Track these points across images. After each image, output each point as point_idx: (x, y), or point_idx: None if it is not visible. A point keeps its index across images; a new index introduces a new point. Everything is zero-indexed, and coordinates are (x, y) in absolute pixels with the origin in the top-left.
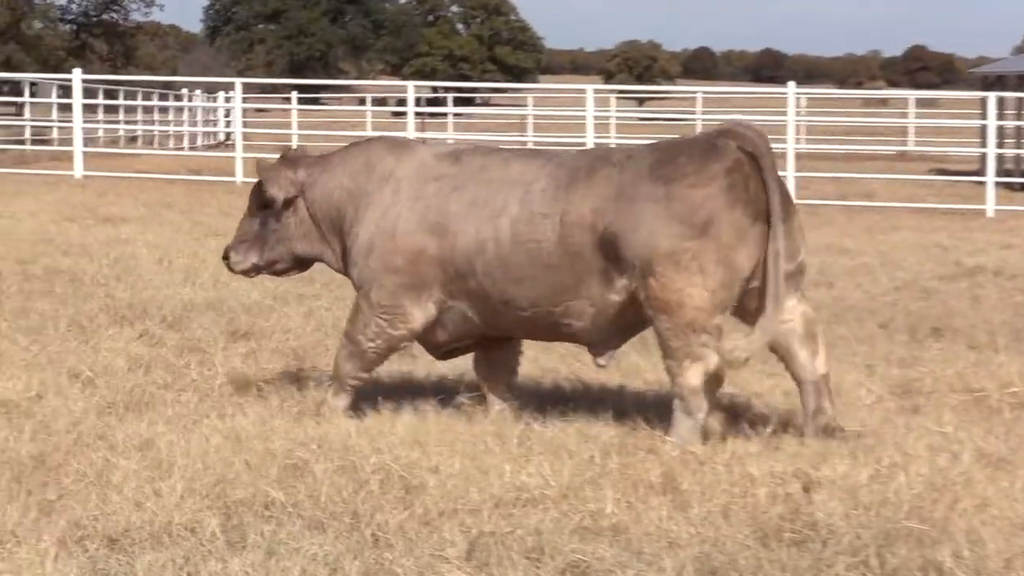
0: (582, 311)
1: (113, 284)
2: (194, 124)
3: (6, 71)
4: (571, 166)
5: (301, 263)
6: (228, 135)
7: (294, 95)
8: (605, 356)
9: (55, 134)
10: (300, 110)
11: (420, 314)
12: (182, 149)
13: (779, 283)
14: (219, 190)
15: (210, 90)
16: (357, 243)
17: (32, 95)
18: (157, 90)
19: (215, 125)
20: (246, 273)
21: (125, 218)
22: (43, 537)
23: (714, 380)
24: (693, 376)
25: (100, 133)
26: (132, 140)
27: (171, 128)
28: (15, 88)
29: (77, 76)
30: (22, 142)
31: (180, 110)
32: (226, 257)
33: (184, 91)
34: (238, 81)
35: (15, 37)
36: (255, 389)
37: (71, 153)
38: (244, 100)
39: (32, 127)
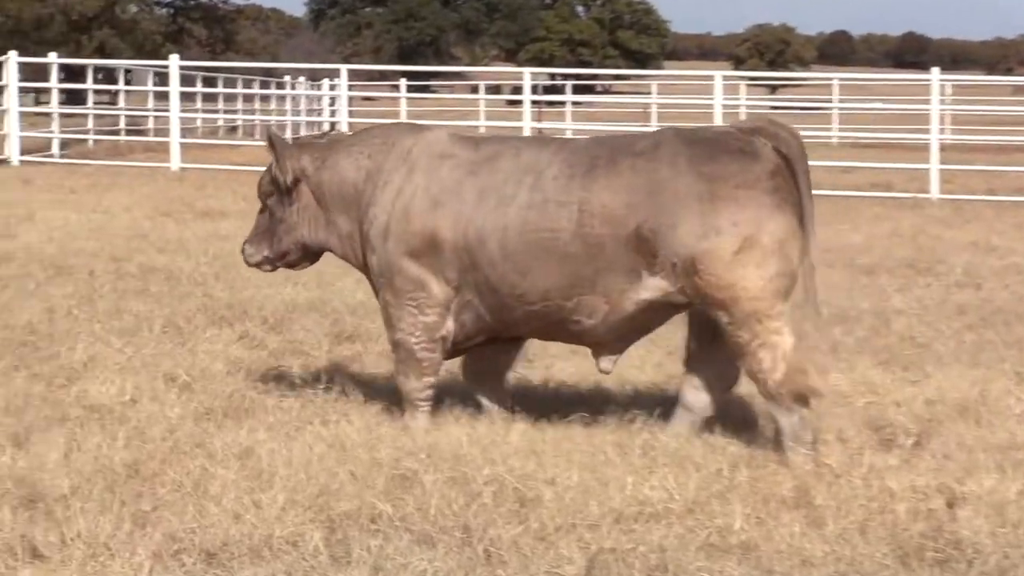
0: (595, 308)
1: (211, 283)
2: (297, 113)
3: (100, 58)
4: (589, 153)
5: (310, 253)
6: (333, 125)
7: (403, 83)
8: (609, 360)
9: (151, 124)
10: (409, 99)
11: (443, 295)
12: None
13: (814, 292)
14: None
15: (314, 77)
16: (375, 225)
17: (127, 83)
18: (258, 77)
19: (319, 115)
20: (259, 266)
21: (224, 212)
22: (137, 550)
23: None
24: (773, 367)
25: (198, 123)
26: (232, 130)
27: (272, 118)
28: (109, 76)
29: (174, 62)
30: (116, 132)
31: (282, 99)
32: (243, 251)
33: (286, 78)
34: (343, 68)
35: (109, 22)
36: (361, 395)
37: (167, 144)
38: (350, 88)
39: (127, 117)
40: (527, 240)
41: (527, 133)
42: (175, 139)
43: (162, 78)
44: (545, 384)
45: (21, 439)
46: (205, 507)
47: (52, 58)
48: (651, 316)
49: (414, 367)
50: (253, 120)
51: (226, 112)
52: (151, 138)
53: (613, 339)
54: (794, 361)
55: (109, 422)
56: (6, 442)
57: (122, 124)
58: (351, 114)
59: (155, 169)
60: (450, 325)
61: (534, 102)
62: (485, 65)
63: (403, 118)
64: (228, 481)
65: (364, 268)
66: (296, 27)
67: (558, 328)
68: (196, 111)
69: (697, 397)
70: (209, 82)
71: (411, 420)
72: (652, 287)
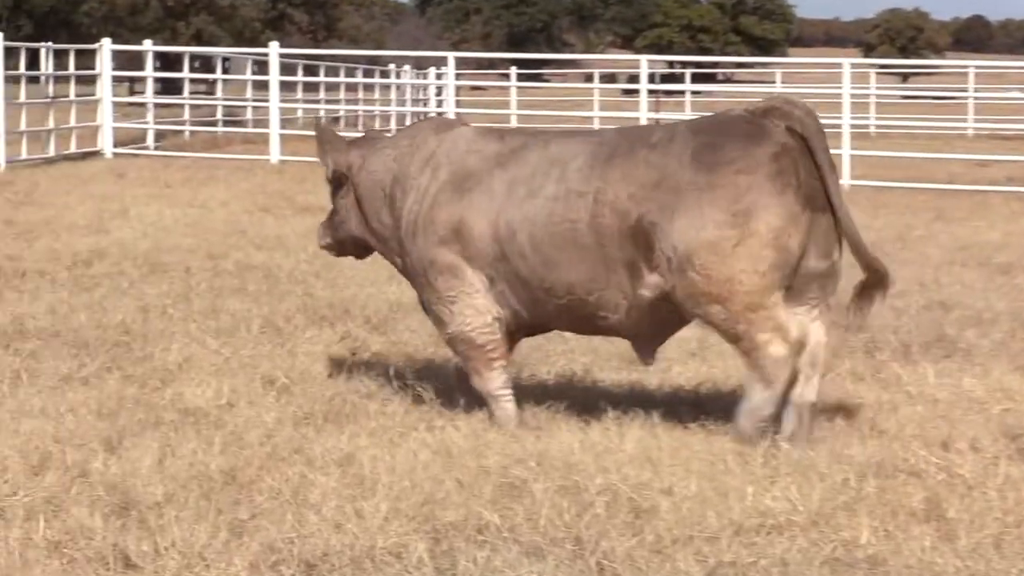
0: (616, 302)
1: (312, 281)
2: (402, 103)
3: (197, 45)
4: (612, 143)
5: (362, 246)
6: (440, 115)
7: (513, 71)
8: (650, 354)
9: (249, 115)
10: (520, 87)
11: (478, 280)
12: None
13: (870, 258)
14: None
15: (420, 65)
16: (405, 228)
17: (225, 72)
18: (361, 66)
19: (425, 104)
20: (326, 249)
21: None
22: (234, 561)
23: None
24: (777, 347)
25: (299, 113)
26: (334, 121)
27: (376, 108)
28: (206, 64)
29: (274, 50)
30: (213, 123)
31: (387, 88)
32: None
33: (391, 67)
34: (451, 55)
35: (207, 8)
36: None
37: (266, 136)
38: (458, 76)
39: (224, 107)
40: (552, 232)
41: (643, 123)
42: (275, 130)
43: (261, 67)
44: (661, 388)
45: (114, 444)
46: (304, 516)
47: (147, 46)
48: (676, 310)
49: (479, 357)
50: (356, 111)
51: (328, 102)
52: (249, 129)
53: (646, 333)
54: (796, 342)
55: (205, 426)
56: (99, 447)
57: (219, 115)
58: (458, 104)
59: (253, 162)
60: (498, 307)
61: (651, 92)
62: (600, 53)
63: (513, 108)
64: (328, 489)
65: (404, 272)
66: (402, 13)
67: (588, 322)
68: (296, 101)
69: (796, 389)
70: (310, 71)
71: (499, 414)
72: (650, 284)
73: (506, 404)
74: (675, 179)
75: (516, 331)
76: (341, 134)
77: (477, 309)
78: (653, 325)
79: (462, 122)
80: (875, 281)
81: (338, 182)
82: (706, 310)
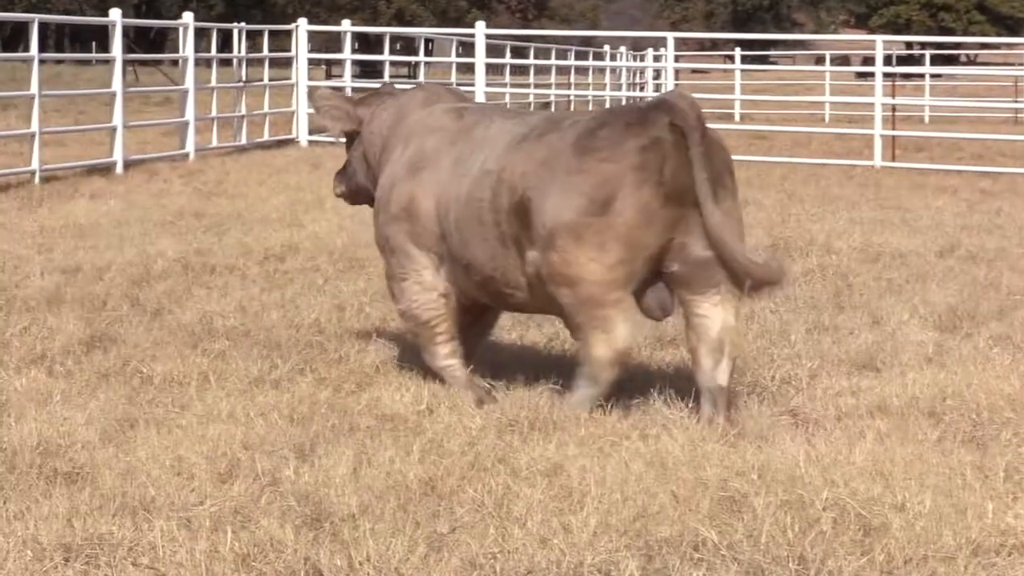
0: (517, 280)
1: None
2: (618, 87)
3: (398, 26)
4: (531, 125)
5: (370, 196)
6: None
7: (737, 52)
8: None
9: None
10: (744, 70)
11: (429, 261)
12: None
13: (729, 254)
14: None
15: (637, 47)
16: (377, 195)
17: (427, 54)
18: (574, 47)
19: (642, 89)
20: (341, 197)
21: None
22: None
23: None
24: (602, 348)
25: (506, 98)
26: (544, 107)
27: (589, 93)
28: (408, 46)
29: (480, 31)
30: None
31: (601, 71)
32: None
33: (606, 48)
34: (670, 36)
35: None
36: (683, 407)
37: None
38: (677, 59)
39: None
40: (467, 210)
41: (878, 109)
42: None
43: (467, 48)
44: (895, 396)
45: (306, 451)
46: (508, 530)
47: (345, 26)
48: None
49: (425, 332)
50: (567, 95)
51: (537, 87)
52: None
53: (558, 311)
54: (622, 351)
55: (403, 433)
56: (290, 454)
57: None
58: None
59: None
60: (445, 284)
61: (887, 75)
62: (832, 32)
63: (737, 93)
64: (534, 501)
65: None
66: None
67: (503, 300)
68: (504, 85)
69: (707, 374)
70: (519, 52)
71: (452, 382)
72: (531, 260)
73: (455, 372)
74: (556, 161)
75: (471, 306)
76: (344, 95)
77: (423, 287)
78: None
79: (452, 94)
80: (759, 284)
81: (351, 136)
82: (558, 292)
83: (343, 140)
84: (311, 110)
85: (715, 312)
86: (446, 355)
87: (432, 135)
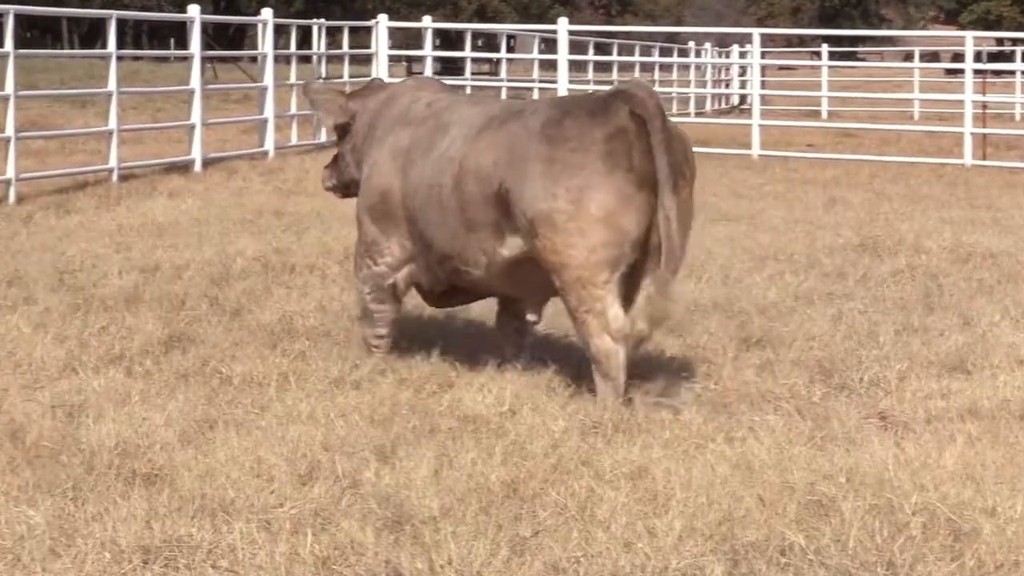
0: (476, 259)
1: None
2: (702, 85)
3: (480, 22)
4: (492, 114)
5: None
6: (743, 98)
7: (824, 49)
8: (532, 314)
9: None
10: (831, 67)
11: (396, 249)
12: (688, 115)
13: (674, 244)
14: (731, 165)
15: (722, 43)
16: (362, 179)
17: (510, 50)
18: (658, 43)
19: (727, 86)
20: (331, 191)
21: None
22: None
23: (631, 340)
24: (598, 333)
25: None
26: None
27: (674, 90)
28: (490, 42)
29: (563, 27)
30: None
31: (686, 68)
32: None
33: (691, 44)
34: (756, 32)
35: None
36: (771, 409)
37: None
38: (763, 55)
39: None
40: (429, 194)
41: (968, 106)
42: None
43: (549, 45)
44: (985, 398)
45: (387, 452)
46: (592, 533)
47: (426, 22)
48: (537, 271)
49: (367, 312)
50: None
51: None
52: None
53: (518, 292)
54: (617, 332)
55: (485, 435)
56: (371, 456)
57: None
58: (764, 85)
59: None
60: (399, 276)
61: (977, 72)
62: (920, 28)
63: (824, 90)
64: (618, 504)
65: None
66: None
67: (463, 277)
68: (587, 82)
69: (508, 341)
70: (602, 49)
71: (361, 358)
72: (512, 245)
73: (379, 348)
74: (525, 149)
75: (435, 285)
76: (337, 89)
77: (376, 281)
78: (518, 285)
79: (439, 86)
80: (667, 267)
81: (343, 129)
82: (552, 277)
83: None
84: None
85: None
86: (377, 336)
87: (407, 125)
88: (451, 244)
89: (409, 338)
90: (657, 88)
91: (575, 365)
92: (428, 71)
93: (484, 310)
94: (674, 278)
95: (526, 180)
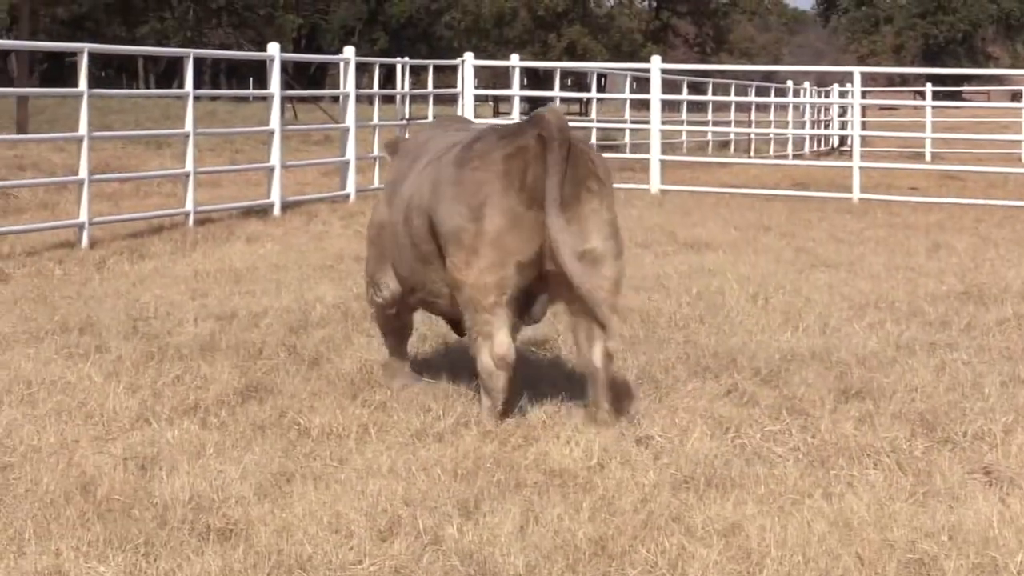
0: (440, 291)
1: (694, 327)
2: (801, 125)
3: (569, 59)
4: (448, 143)
5: None
6: (843, 139)
7: (928, 88)
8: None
9: (627, 138)
10: (936, 107)
11: (390, 282)
12: (785, 157)
13: (566, 263)
14: (830, 209)
15: (822, 82)
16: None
17: (600, 89)
18: (754, 83)
19: (827, 127)
20: None
21: (711, 244)
22: None
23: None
24: (483, 355)
25: (683, 136)
26: (723, 145)
27: (771, 130)
28: (580, 81)
29: (656, 65)
30: None
31: (783, 108)
32: None
33: (788, 84)
34: (856, 70)
35: (582, 18)
36: (871, 464)
37: (646, 162)
38: (865, 95)
39: (599, 130)
40: (392, 230)
41: None
42: (655, 156)
43: (641, 84)
44: None
45: (470, 508)
46: None
47: (514, 61)
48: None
49: (383, 331)
50: (747, 134)
51: (716, 124)
52: (627, 155)
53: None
54: (500, 359)
55: (572, 490)
56: (453, 511)
57: (593, 138)
58: (864, 126)
59: (631, 192)
60: (399, 306)
61: None
62: None
63: (928, 131)
64: (710, 562)
65: None
66: (801, 22)
67: (433, 307)
68: (681, 123)
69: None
70: (697, 88)
71: (388, 380)
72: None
73: (394, 366)
74: (442, 174)
75: (435, 313)
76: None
77: (380, 310)
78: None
79: (460, 123)
80: (581, 290)
81: None
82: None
83: None
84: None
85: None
86: (396, 356)
87: (402, 161)
88: (414, 278)
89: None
90: (754, 129)
91: (666, 416)
92: (515, 111)
93: (568, 359)
94: (600, 299)
95: (441, 203)
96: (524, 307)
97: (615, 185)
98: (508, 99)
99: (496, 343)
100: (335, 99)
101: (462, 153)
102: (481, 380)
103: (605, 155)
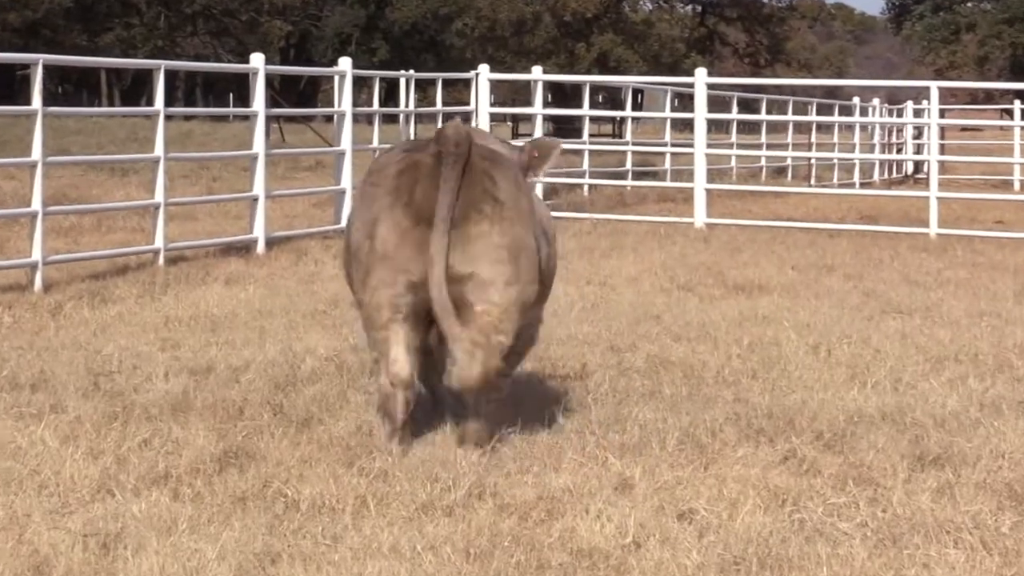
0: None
1: (746, 383)
2: (869, 149)
3: (600, 72)
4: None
5: None
6: (918, 165)
7: (1016, 106)
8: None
9: (667, 164)
10: None
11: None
12: (851, 185)
13: (430, 284)
14: (903, 246)
15: (893, 99)
16: None
17: (636, 107)
18: (815, 99)
19: (900, 151)
20: None
21: (765, 286)
22: None
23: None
24: (381, 375)
25: (732, 162)
26: (779, 172)
27: (835, 155)
28: (614, 97)
29: (701, 79)
30: (620, 175)
31: (849, 128)
32: None
33: (855, 100)
34: (934, 85)
35: (614, 25)
36: (949, 541)
37: (690, 192)
38: (943, 113)
39: (635, 154)
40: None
41: None
42: (700, 184)
43: (684, 101)
44: None
45: None
46: None
47: (536, 74)
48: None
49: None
50: (807, 159)
51: (771, 147)
52: (667, 183)
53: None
54: (394, 376)
55: (604, 571)
56: None
57: (628, 164)
58: (943, 150)
59: (673, 226)
60: None
61: None
62: None
63: (1017, 155)
64: None
65: None
66: (870, 30)
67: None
68: (730, 146)
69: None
70: (748, 106)
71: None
72: None
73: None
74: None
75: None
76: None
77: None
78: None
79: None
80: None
81: None
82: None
83: None
84: None
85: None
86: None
87: None
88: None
89: (511, 453)
90: (814, 153)
91: (713, 486)
92: (538, 132)
93: (597, 423)
94: (456, 333)
95: (351, 218)
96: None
97: (654, 218)
98: (529, 119)
99: (390, 360)
100: (329, 118)
101: (370, 166)
102: (379, 403)
103: (643, 184)
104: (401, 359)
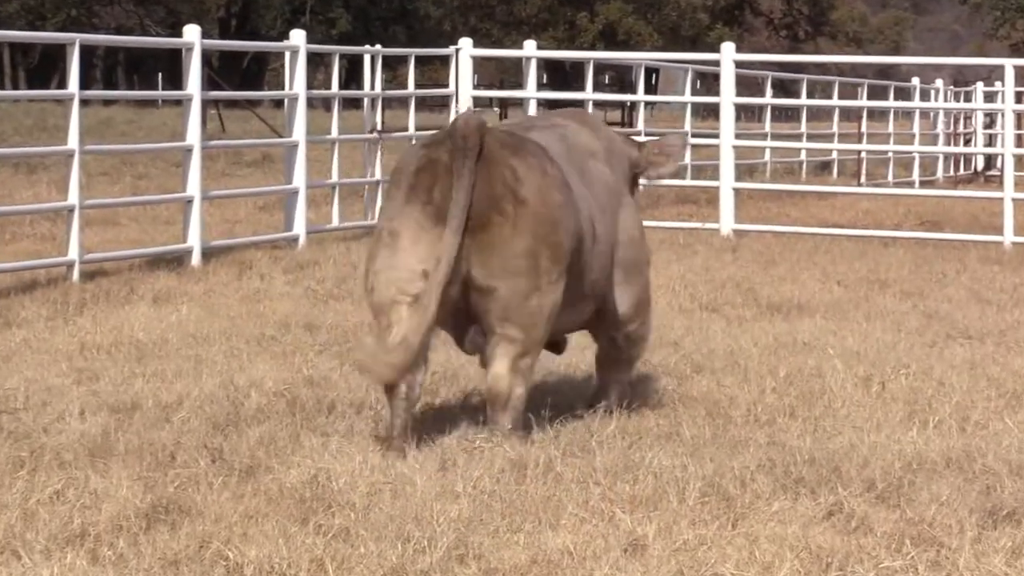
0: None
1: (782, 422)
2: (931, 141)
3: (605, 47)
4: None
5: None
6: (990, 160)
7: None
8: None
9: (687, 157)
10: None
11: None
12: (910, 184)
13: (432, 289)
14: (972, 256)
15: (960, 80)
16: None
17: (651, 89)
18: (865, 80)
19: (968, 142)
20: None
21: (805, 306)
22: None
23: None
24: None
25: (766, 156)
26: (821, 168)
27: (890, 147)
28: (622, 77)
29: (728, 55)
30: None
31: (907, 115)
32: None
33: (914, 82)
34: (1009, 63)
35: None
36: None
37: (714, 191)
38: (1020, 98)
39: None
40: None
41: None
42: (726, 184)
43: (707, 81)
44: None
45: None
46: None
47: (529, 50)
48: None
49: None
50: (858, 150)
51: (811, 138)
52: (687, 181)
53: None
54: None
55: None
56: None
57: None
58: (1021, 141)
59: (694, 233)
60: None
61: None
62: None
63: None
64: None
65: None
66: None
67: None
68: (763, 136)
69: None
70: (785, 88)
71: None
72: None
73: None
74: None
75: None
76: None
77: None
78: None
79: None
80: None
81: None
82: None
83: None
84: None
85: (492, 350)
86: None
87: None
88: None
89: (495, 503)
90: (865, 145)
91: (743, 546)
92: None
93: (603, 470)
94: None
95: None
96: (458, 334)
97: (671, 224)
98: (520, 104)
99: (394, 367)
100: (278, 103)
101: (393, 167)
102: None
103: (656, 181)
104: (399, 370)
